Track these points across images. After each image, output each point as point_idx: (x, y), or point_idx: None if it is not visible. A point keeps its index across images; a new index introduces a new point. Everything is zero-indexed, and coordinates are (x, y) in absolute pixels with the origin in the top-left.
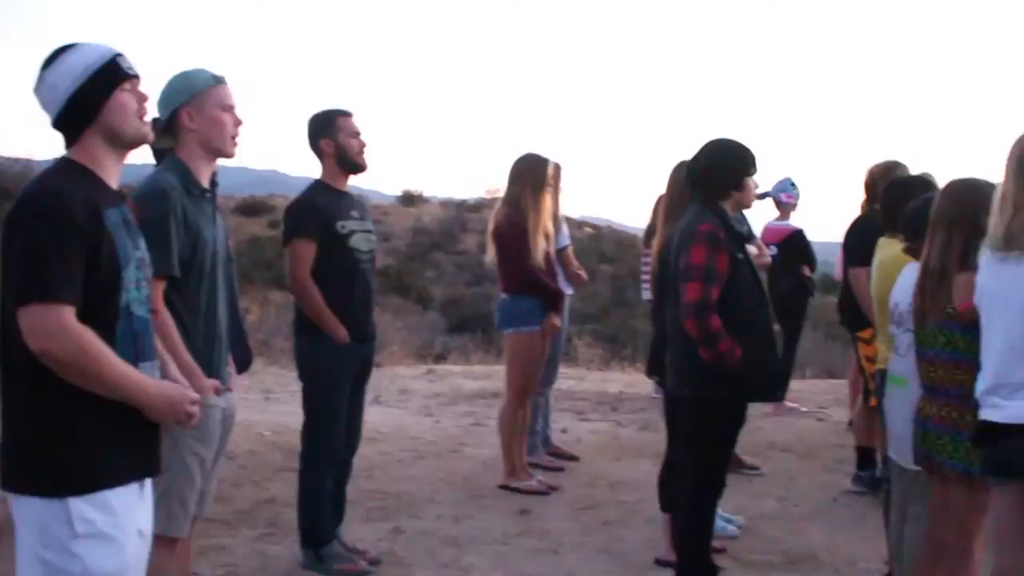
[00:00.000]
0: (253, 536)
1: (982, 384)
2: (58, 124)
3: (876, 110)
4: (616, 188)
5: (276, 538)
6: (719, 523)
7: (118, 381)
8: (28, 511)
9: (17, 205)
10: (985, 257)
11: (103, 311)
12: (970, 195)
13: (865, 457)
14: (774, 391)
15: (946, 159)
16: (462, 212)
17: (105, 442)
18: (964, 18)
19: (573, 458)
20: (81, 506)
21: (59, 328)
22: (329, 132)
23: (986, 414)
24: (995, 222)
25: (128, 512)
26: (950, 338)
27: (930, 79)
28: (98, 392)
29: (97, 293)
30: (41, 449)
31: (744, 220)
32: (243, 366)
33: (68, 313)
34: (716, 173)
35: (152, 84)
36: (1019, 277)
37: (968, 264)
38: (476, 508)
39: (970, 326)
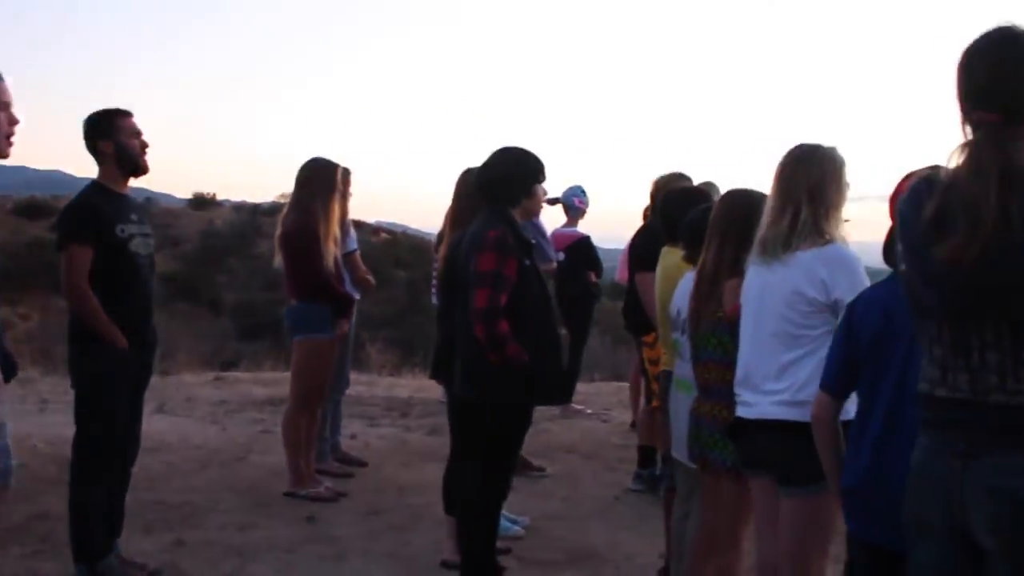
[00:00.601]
0: (24, 553)
1: (736, 380)
2: None
3: (664, 121)
4: (411, 193)
5: (48, 555)
6: (504, 524)
7: None
8: None
9: None
10: (751, 262)
11: None
12: (743, 204)
13: (646, 456)
14: (560, 394)
15: (738, 170)
16: (256, 216)
17: None
18: (749, 34)
19: (362, 464)
20: None
21: None
22: (108, 133)
23: (738, 411)
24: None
25: None
26: (721, 340)
27: (716, 93)
28: None
29: None
30: None
31: (529, 227)
32: (9, 374)
33: None
34: (505, 180)
35: None
36: (770, 281)
37: (739, 270)
38: (261, 517)
39: (739, 329)
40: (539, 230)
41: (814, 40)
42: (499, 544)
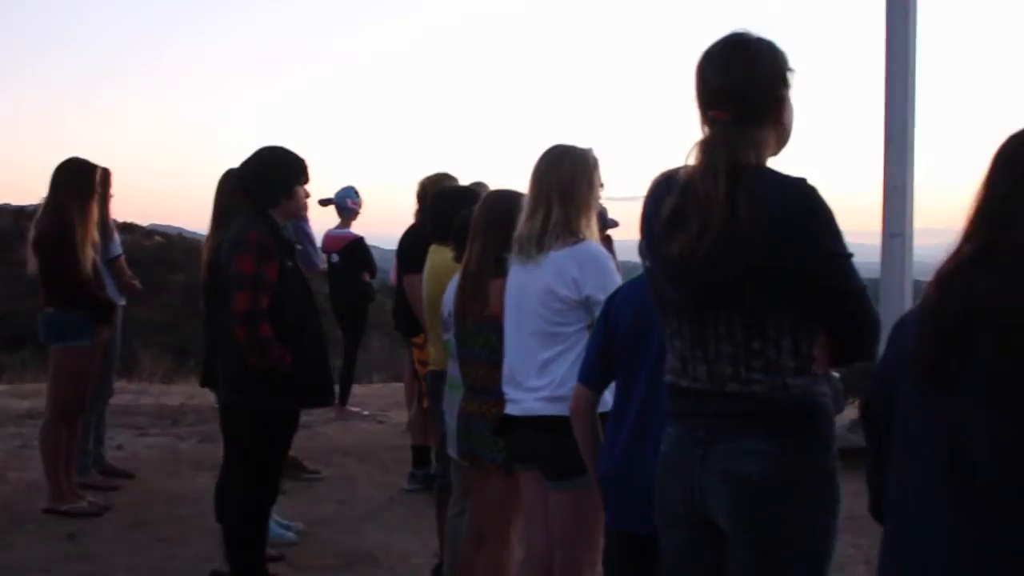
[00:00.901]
0: None
1: (502, 379)
2: None
3: (435, 120)
4: (186, 194)
5: None
6: (277, 530)
7: None
8: None
9: None
10: (510, 261)
11: None
12: (503, 204)
13: (420, 456)
14: (326, 397)
15: (515, 172)
16: (20, 220)
17: None
18: (513, 34)
19: (127, 475)
20: None
21: None
22: None
23: (506, 408)
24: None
25: None
26: (487, 339)
27: (487, 92)
28: None
29: None
30: None
31: (292, 230)
32: None
33: None
34: (265, 181)
35: None
36: (526, 281)
37: (503, 269)
38: (18, 535)
39: (504, 328)
40: (308, 237)
41: (581, 41)
42: (271, 551)
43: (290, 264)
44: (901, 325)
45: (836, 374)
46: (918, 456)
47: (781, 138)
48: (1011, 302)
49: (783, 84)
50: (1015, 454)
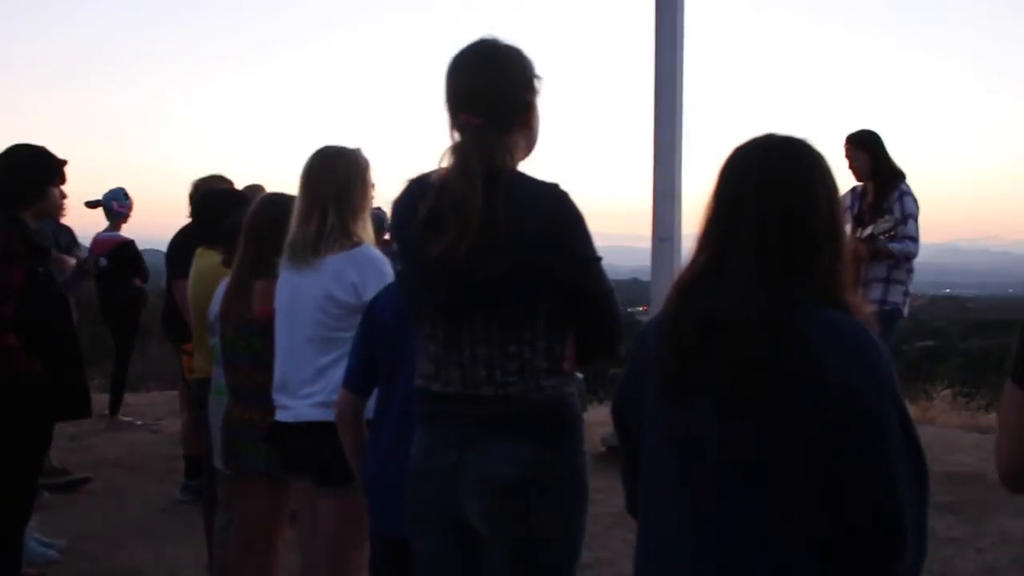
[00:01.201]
0: None
1: (274, 386)
2: None
3: (205, 123)
4: None
5: None
6: (38, 548)
7: None
8: None
9: None
10: (282, 266)
11: None
12: (273, 207)
13: (193, 466)
14: (81, 409)
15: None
16: None
17: None
18: (293, 36)
19: None
20: None
21: None
22: None
23: (277, 415)
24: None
25: None
26: (250, 342)
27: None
28: None
29: None
30: None
31: (45, 231)
32: None
33: None
34: (15, 181)
35: None
36: (301, 286)
37: (267, 271)
38: None
39: (268, 330)
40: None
41: (359, 43)
42: (31, 570)
43: (41, 270)
44: (646, 331)
45: (580, 375)
46: (662, 459)
47: (530, 142)
48: (738, 313)
49: (531, 90)
50: (744, 459)
